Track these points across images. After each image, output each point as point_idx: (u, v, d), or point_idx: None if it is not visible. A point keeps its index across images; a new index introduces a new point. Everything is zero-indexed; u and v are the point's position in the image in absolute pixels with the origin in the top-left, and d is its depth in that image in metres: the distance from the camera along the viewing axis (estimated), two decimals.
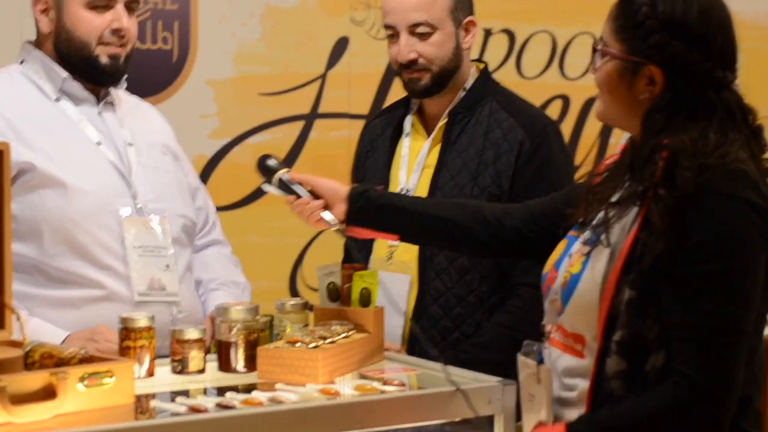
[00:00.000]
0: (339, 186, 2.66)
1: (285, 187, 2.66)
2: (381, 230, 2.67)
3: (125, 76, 3.01)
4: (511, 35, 4.91)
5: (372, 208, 2.62)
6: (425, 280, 3.05)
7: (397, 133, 3.21)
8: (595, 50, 2.32)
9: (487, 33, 4.85)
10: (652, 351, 2.16)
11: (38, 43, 2.98)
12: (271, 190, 2.68)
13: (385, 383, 2.40)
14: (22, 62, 2.98)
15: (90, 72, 2.94)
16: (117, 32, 2.92)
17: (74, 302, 2.81)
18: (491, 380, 2.42)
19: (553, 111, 4.90)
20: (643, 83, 2.26)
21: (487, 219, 2.59)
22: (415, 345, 2.98)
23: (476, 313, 3.03)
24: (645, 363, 2.17)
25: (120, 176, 2.92)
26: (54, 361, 2.25)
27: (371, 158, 3.24)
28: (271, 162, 2.68)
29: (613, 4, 2.32)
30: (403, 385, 2.39)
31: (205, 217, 3.17)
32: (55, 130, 2.89)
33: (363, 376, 2.51)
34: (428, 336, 2.97)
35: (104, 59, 2.92)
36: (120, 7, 2.92)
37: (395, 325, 2.97)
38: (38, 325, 2.70)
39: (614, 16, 2.30)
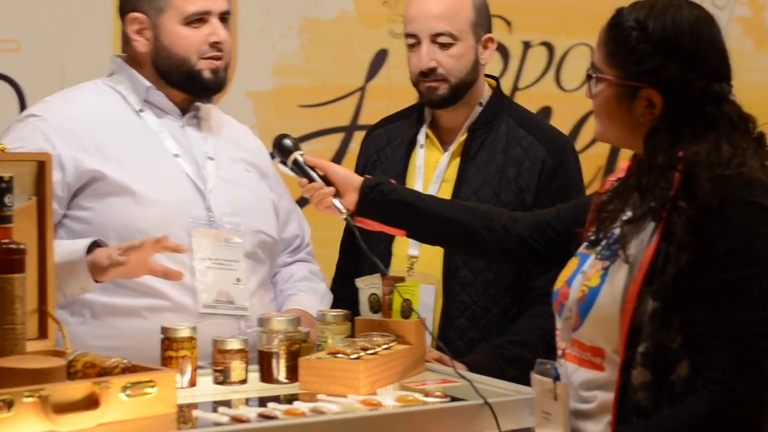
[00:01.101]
0: (352, 175, 2.67)
1: (299, 168, 2.66)
2: (389, 224, 2.67)
3: None
4: (550, 48, 4.89)
5: (383, 201, 2.63)
6: (451, 293, 3.06)
7: (410, 144, 3.21)
8: (589, 77, 2.32)
9: (526, 45, 4.83)
10: (677, 361, 2.16)
11: (131, 62, 2.98)
12: (284, 169, 2.70)
13: (426, 394, 2.40)
14: (111, 75, 3.00)
15: (193, 87, 2.94)
16: (215, 45, 2.92)
17: (138, 311, 2.80)
18: (532, 392, 2.40)
19: (593, 123, 4.87)
20: (642, 106, 2.26)
21: (494, 225, 2.60)
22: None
23: (500, 324, 3.06)
24: (671, 373, 2.16)
25: (195, 189, 2.90)
26: (96, 370, 2.26)
27: (379, 168, 3.22)
28: (287, 141, 2.69)
29: (602, 30, 2.33)
30: (445, 396, 2.39)
31: (300, 241, 3.16)
32: (134, 140, 2.90)
33: (404, 388, 2.51)
34: (456, 347, 2.97)
35: (207, 74, 2.92)
36: (215, 20, 2.92)
37: None
38: (66, 245, 2.65)
39: (604, 41, 2.31)
